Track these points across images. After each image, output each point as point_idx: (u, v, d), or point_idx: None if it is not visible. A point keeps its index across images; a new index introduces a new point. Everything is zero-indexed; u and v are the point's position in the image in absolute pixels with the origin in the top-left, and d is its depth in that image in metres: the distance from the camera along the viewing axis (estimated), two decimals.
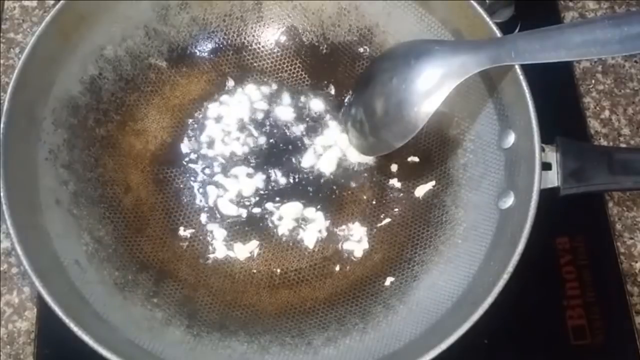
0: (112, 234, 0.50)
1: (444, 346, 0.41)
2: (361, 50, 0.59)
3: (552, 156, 0.48)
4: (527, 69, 0.48)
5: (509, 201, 0.48)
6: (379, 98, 0.51)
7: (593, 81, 0.65)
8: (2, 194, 0.43)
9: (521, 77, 0.47)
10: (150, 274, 0.50)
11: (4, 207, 0.43)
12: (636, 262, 0.58)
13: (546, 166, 0.47)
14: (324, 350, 0.47)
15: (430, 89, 0.47)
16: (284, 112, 0.58)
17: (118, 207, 0.52)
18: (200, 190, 0.55)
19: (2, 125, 0.45)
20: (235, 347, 0.47)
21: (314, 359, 0.47)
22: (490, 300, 0.42)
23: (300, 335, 0.49)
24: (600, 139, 0.62)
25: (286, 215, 0.55)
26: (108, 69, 0.54)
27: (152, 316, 0.47)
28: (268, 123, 0.58)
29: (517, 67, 0.47)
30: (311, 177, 0.56)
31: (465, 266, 0.48)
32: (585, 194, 0.48)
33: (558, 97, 0.62)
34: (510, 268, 0.43)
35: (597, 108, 0.64)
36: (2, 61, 0.63)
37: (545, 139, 0.47)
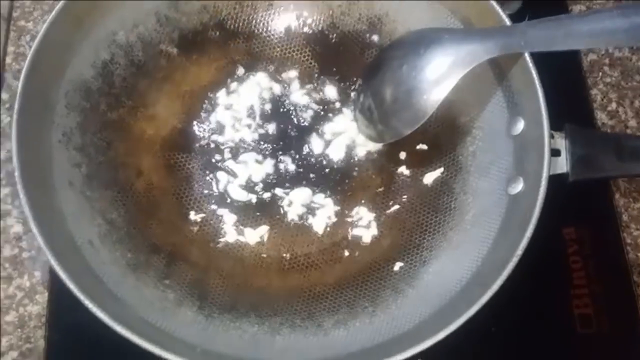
0: (124, 217, 0.50)
1: (453, 327, 0.41)
2: (371, 39, 0.59)
3: (561, 143, 0.48)
4: (534, 61, 0.48)
5: (518, 187, 0.48)
6: (389, 86, 0.51)
7: (600, 74, 0.66)
8: (17, 174, 0.43)
9: (530, 65, 0.48)
10: (162, 256, 0.50)
11: (19, 186, 0.43)
12: None
13: (555, 152, 0.47)
14: (334, 332, 0.48)
15: (440, 76, 0.48)
16: (294, 99, 0.59)
17: (130, 191, 0.52)
18: (211, 175, 0.56)
19: (16, 107, 0.45)
20: (246, 328, 0.47)
21: (324, 340, 0.47)
22: (499, 282, 0.42)
23: (310, 317, 0.49)
24: (607, 130, 0.63)
25: (296, 201, 0.55)
26: (120, 55, 0.54)
27: (165, 297, 0.48)
28: (277, 110, 0.58)
29: (526, 54, 0.48)
30: (320, 164, 0.57)
31: (474, 251, 0.48)
32: (593, 180, 0.48)
33: (565, 90, 0.62)
34: (519, 251, 0.43)
35: (604, 100, 0.65)
36: (13, 48, 0.63)
37: (554, 128, 0.48)
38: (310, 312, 0.49)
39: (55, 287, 0.54)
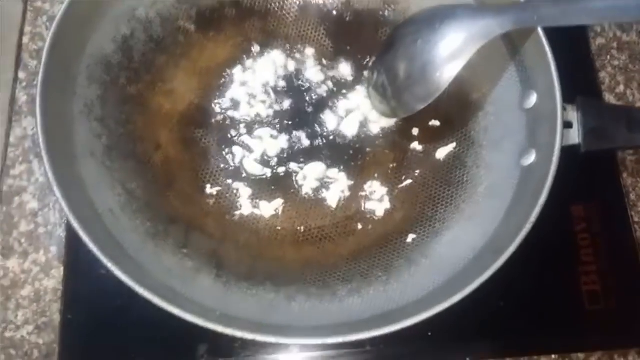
0: (143, 188, 0.51)
1: (468, 291, 0.42)
2: (384, 17, 0.60)
3: (573, 115, 0.49)
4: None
5: (531, 158, 0.49)
6: (403, 61, 0.52)
7: (608, 57, 0.67)
8: (41, 140, 0.44)
9: (543, 39, 0.48)
10: (180, 226, 0.51)
11: (44, 152, 0.44)
12: None
13: (567, 125, 0.48)
14: (349, 300, 0.49)
15: (454, 51, 0.48)
16: (308, 76, 0.59)
17: (148, 164, 0.53)
18: (227, 150, 0.56)
19: (40, 78, 0.46)
20: (263, 295, 0.48)
21: (339, 307, 0.48)
22: (513, 248, 0.43)
23: (325, 286, 0.50)
24: None
25: (310, 175, 0.56)
26: (139, 30, 0.55)
27: (183, 264, 0.49)
28: (292, 87, 0.59)
29: (539, 29, 0.48)
30: (334, 140, 0.58)
31: (487, 221, 0.49)
32: (604, 152, 0.49)
33: (574, 73, 0.63)
34: (533, 218, 0.44)
35: (612, 83, 0.66)
36: (30, 29, 0.64)
37: (565, 102, 0.48)
38: (324, 282, 0.50)
39: (71, 262, 0.55)
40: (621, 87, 0.65)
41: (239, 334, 0.40)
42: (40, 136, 0.44)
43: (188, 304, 0.43)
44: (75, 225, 0.42)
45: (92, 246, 0.41)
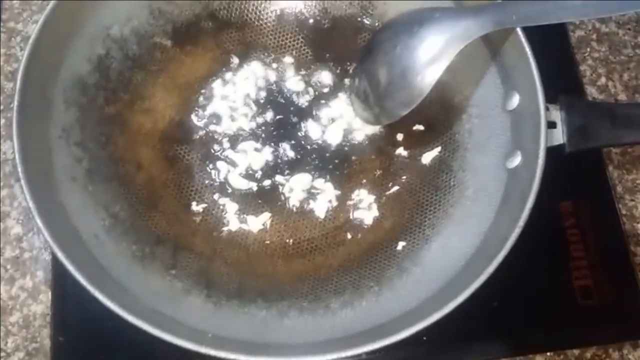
0: (128, 210, 0.51)
1: (461, 299, 0.41)
2: (363, 22, 0.59)
3: (557, 115, 0.48)
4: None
5: (516, 160, 0.49)
6: (383, 67, 0.52)
7: (588, 49, 0.67)
8: (20, 170, 0.43)
9: (523, 39, 0.48)
10: (167, 247, 0.51)
11: (23, 182, 0.43)
12: (638, 222, 0.60)
13: (551, 125, 0.48)
14: (342, 313, 0.48)
15: (435, 55, 0.48)
16: (289, 86, 0.59)
17: (131, 184, 0.52)
18: (210, 165, 0.56)
19: (15, 104, 0.45)
20: (255, 313, 0.48)
21: (332, 321, 0.48)
22: (504, 253, 0.43)
23: (317, 300, 0.49)
24: None
25: (296, 187, 0.55)
26: (115, 49, 0.54)
27: (172, 286, 0.48)
28: (273, 98, 0.59)
29: (518, 29, 0.48)
30: (319, 149, 0.57)
31: (476, 226, 0.49)
32: (590, 150, 0.49)
33: (555, 67, 0.62)
34: (521, 222, 0.43)
35: (594, 75, 0.66)
36: (4, 50, 0.63)
37: (547, 102, 0.48)
38: (316, 295, 0.50)
39: (59, 286, 0.54)
40: (602, 79, 0.65)
41: (232, 356, 0.40)
42: (18, 165, 0.44)
43: (178, 327, 0.43)
44: (60, 255, 0.42)
45: (78, 276, 0.41)
